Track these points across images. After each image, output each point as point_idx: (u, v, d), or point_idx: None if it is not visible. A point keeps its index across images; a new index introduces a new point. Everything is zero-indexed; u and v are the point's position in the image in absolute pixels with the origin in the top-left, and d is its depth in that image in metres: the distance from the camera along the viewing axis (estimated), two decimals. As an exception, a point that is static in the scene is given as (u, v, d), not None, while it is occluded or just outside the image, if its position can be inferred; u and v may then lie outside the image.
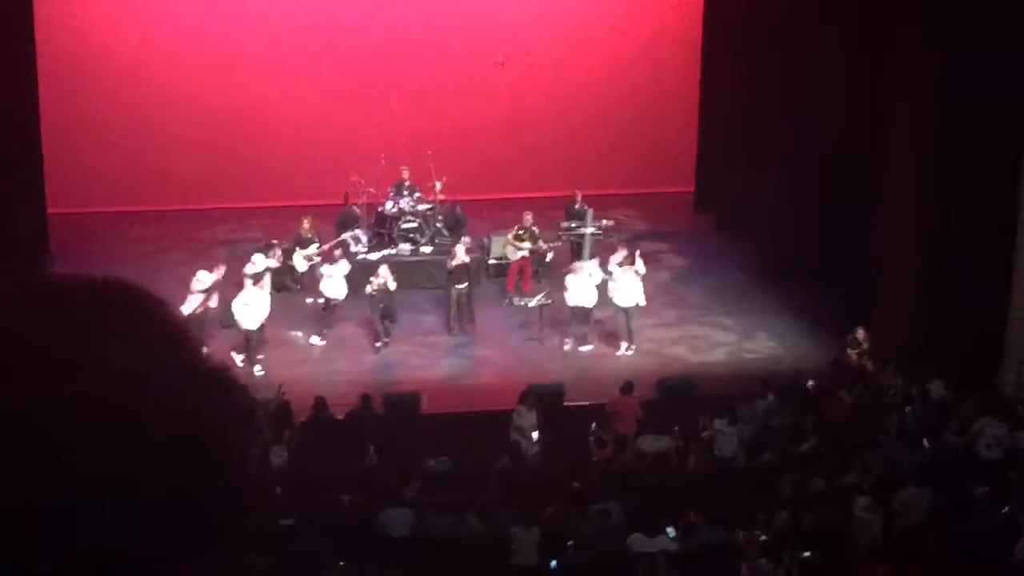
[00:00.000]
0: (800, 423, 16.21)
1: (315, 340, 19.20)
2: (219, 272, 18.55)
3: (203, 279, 18.44)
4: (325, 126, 23.96)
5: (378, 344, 19.05)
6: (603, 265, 19.14)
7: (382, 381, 18.05)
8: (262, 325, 18.37)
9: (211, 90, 23.73)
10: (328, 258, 19.78)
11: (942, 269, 17.93)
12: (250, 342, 18.15)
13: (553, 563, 13.04)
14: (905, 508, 13.62)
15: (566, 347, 19.00)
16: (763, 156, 21.41)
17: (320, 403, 16.10)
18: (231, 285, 18.64)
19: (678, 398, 17.22)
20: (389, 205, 21.40)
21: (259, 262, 19.15)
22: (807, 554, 12.49)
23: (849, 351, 17.94)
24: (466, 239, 20.81)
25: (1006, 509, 13.56)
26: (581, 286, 18.85)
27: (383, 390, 17.32)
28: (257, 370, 17.92)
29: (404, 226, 21.29)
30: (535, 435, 16.07)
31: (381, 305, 18.96)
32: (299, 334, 19.38)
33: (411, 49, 24.20)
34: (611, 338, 19.25)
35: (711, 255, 22.65)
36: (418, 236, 21.31)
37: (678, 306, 20.82)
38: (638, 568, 12.91)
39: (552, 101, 24.73)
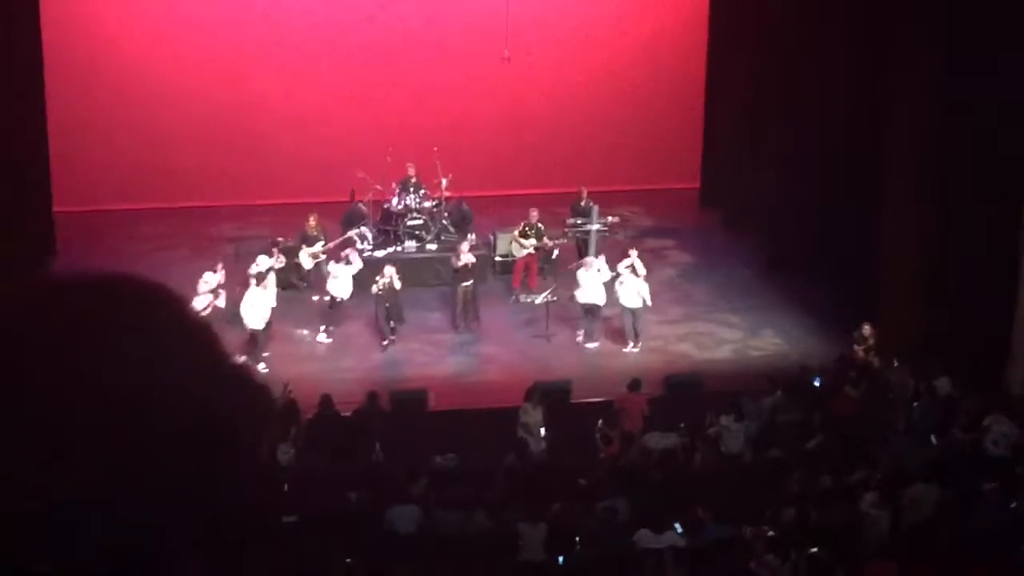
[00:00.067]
0: (807, 419, 16.20)
1: (322, 338, 19.21)
2: (221, 272, 18.60)
3: (209, 280, 18.53)
4: (331, 123, 23.97)
5: (384, 343, 19.05)
6: (610, 264, 19.17)
7: (389, 378, 18.05)
8: (268, 324, 18.40)
9: (217, 88, 23.75)
10: (335, 256, 19.81)
11: (943, 267, 17.93)
12: (256, 341, 18.18)
13: (560, 559, 13.04)
14: (913, 504, 13.61)
15: (578, 338, 19.01)
16: (768, 153, 21.44)
17: (326, 401, 16.12)
18: (237, 284, 18.68)
19: (684, 395, 17.22)
20: (395, 202, 21.40)
21: (263, 262, 19.18)
22: (814, 550, 12.47)
23: (855, 347, 17.92)
24: (472, 236, 20.83)
25: (1014, 505, 13.55)
26: (591, 283, 18.88)
27: (390, 387, 17.33)
28: (262, 367, 17.97)
29: (410, 223, 21.28)
30: (542, 431, 16.08)
31: (387, 304, 18.95)
32: (305, 332, 19.40)
33: (416, 45, 24.20)
34: (618, 336, 19.24)
35: (717, 251, 22.63)
36: (424, 233, 21.30)
37: (684, 303, 20.81)
38: (645, 564, 12.90)
39: (557, 97, 24.73)
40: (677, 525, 13.20)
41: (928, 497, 13.67)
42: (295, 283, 20.48)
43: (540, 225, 20.97)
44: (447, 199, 21.76)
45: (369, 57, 24.14)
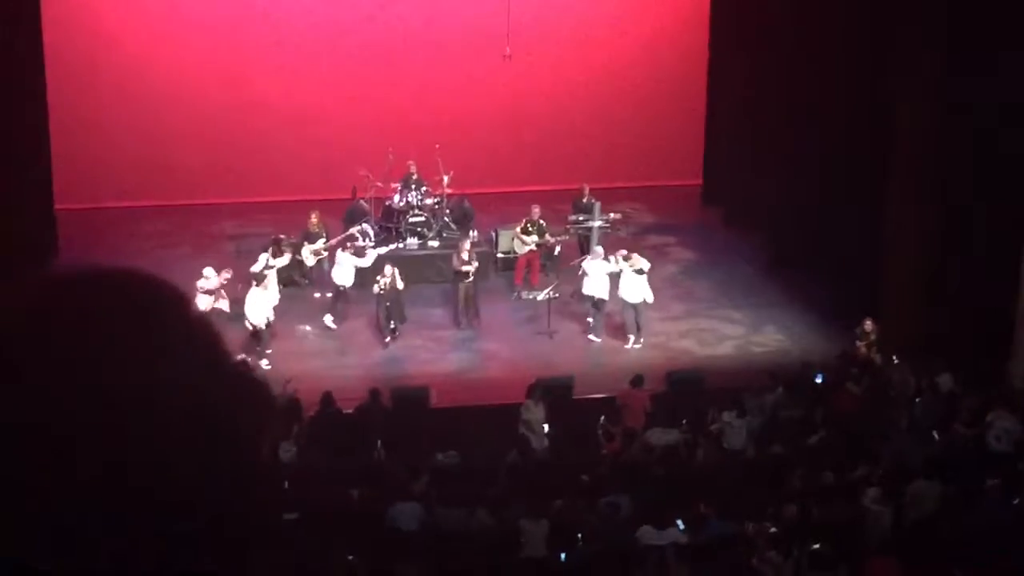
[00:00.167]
0: (809, 416, 16.21)
1: (328, 321, 19.28)
2: (226, 274, 18.63)
3: (209, 275, 18.53)
4: (332, 121, 23.97)
5: (387, 340, 19.05)
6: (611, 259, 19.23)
7: (390, 375, 18.06)
8: (270, 321, 18.42)
9: (218, 85, 23.75)
10: (347, 247, 19.89)
11: (942, 267, 17.93)
12: (259, 338, 18.20)
13: (562, 556, 13.04)
14: (915, 500, 13.61)
15: (591, 322, 19.14)
16: (769, 152, 21.45)
17: (327, 398, 16.12)
18: (239, 282, 18.70)
19: (686, 391, 17.22)
20: (397, 199, 21.40)
21: (262, 261, 19.20)
22: (817, 546, 12.47)
23: (857, 343, 17.92)
24: (473, 234, 20.83)
25: (1016, 501, 13.56)
26: (598, 275, 18.93)
27: (391, 384, 17.33)
28: (265, 364, 17.99)
29: (412, 220, 21.28)
30: (544, 428, 16.08)
31: (387, 304, 18.94)
32: (308, 328, 19.43)
33: (417, 44, 24.20)
34: (619, 332, 19.25)
35: (719, 248, 22.63)
36: (426, 230, 21.31)
37: (686, 299, 20.82)
38: (647, 560, 12.90)
39: (558, 94, 24.72)
40: (679, 521, 13.20)
41: (930, 493, 13.67)
42: (297, 280, 20.50)
43: (542, 222, 20.97)
44: (449, 196, 21.75)
45: (369, 56, 24.13)
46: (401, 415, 16.47)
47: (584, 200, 21.38)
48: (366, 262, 19.58)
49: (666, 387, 17.40)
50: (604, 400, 16.85)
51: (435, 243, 21.25)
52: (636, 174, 24.59)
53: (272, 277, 18.78)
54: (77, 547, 1.25)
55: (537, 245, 20.88)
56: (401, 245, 21.08)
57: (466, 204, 22.01)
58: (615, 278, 19.06)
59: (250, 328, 18.23)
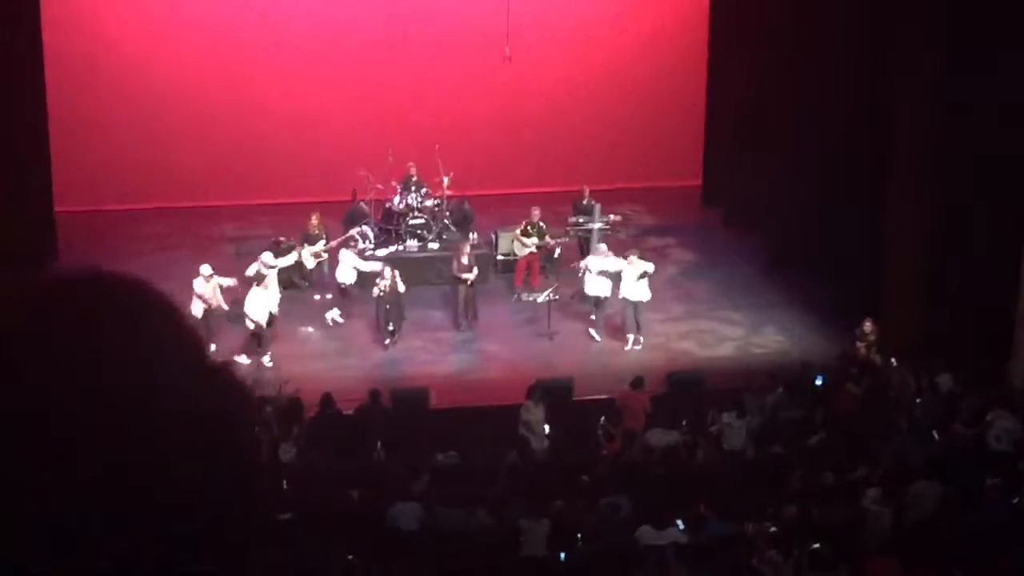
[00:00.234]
0: (809, 416, 16.21)
1: (335, 315, 19.37)
2: (229, 282, 18.62)
3: (205, 273, 18.51)
4: (331, 122, 23.96)
5: (386, 343, 19.04)
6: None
7: (390, 376, 18.06)
8: (270, 322, 18.41)
9: (218, 87, 23.75)
10: (335, 252, 19.91)
11: (942, 267, 17.94)
12: (260, 339, 18.20)
13: (562, 556, 13.04)
14: (915, 501, 13.61)
15: (593, 319, 19.16)
16: (769, 151, 21.45)
17: (327, 399, 16.12)
18: (240, 286, 18.69)
19: (686, 392, 17.21)
20: (396, 201, 21.40)
21: (257, 265, 19.19)
22: (817, 547, 12.47)
23: (857, 344, 17.92)
24: (473, 236, 20.82)
25: (1016, 501, 13.55)
26: (600, 274, 18.95)
27: (391, 385, 17.33)
28: (266, 362, 18.03)
29: (412, 222, 21.28)
30: (544, 429, 16.08)
31: (387, 306, 18.92)
32: (310, 329, 19.44)
33: (416, 45, 24.19)
34: (619, 332, 19.25)
35: (718, 249, 22.63)
36: (426, 232, 21.30)
37: (686, 300, 20.82)
38: (647, 561, 12.90)
39: (558, 96, 24.72)
40: (679, 522, 13.20)
41: (930, 493, 13.67)
42: (297, 282, 20.48)
43: (542, 224, 20.96)
44: (449, 198, 21.75)
45: (369, 57, 24.13)
46: (401, 416, 16.47)
47: (584, 202, 21.39)
48: (367, 266, 19.57)
49: (666, 388, 17.39)
50: (604, 401, 16.84)
51: (435, 245, 21.24)
52: (636, 175, 24.58)
53: (272, 277, 18.76)
54: (77, 548, 1.26)
55: (537, 247, 20.87)
56: (401, 247, 21.07)
57: (466, 206, 22.00)
58: (616, 278, 19.05)
59: (251, 327, 18.23)
